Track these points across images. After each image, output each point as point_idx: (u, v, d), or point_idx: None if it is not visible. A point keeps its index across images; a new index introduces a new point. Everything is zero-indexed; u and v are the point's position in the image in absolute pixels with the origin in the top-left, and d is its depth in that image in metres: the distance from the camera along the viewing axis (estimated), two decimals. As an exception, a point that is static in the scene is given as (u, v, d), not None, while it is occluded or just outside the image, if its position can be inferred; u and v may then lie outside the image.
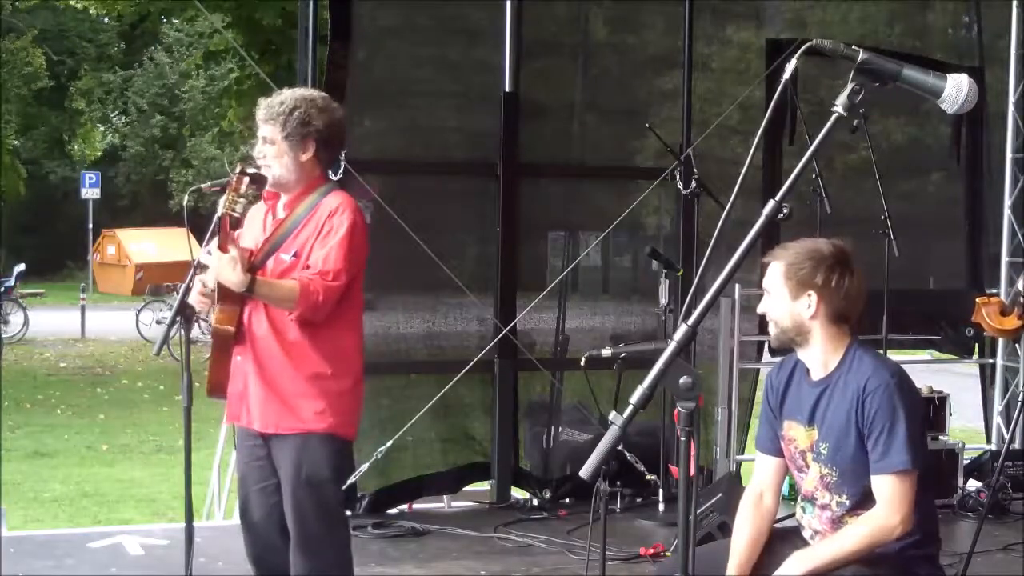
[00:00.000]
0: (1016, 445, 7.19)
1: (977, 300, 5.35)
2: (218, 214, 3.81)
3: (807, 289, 3.47)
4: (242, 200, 3.85)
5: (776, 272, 3.54)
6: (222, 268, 3.83)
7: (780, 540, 3.65)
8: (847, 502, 3.46)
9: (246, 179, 3.85)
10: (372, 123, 6.79)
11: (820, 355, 3.53)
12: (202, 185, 4.06)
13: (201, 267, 3.90)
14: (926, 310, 7.66)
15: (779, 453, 3.66)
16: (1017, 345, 7.68)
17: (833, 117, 2.27)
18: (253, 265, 3.95)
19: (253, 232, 4.14)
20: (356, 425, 4.18)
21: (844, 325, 3.51)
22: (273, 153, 4.02)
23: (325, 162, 4.12)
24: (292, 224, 4.03)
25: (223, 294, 3.92)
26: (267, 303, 3.98)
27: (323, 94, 4.17)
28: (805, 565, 3.38)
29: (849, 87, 2.27)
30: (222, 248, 3.82)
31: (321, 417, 4.01)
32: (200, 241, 3.91)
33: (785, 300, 3.51)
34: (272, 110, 4.04)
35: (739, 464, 6.85)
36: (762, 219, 2.28)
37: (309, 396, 4.00)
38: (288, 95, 4.08)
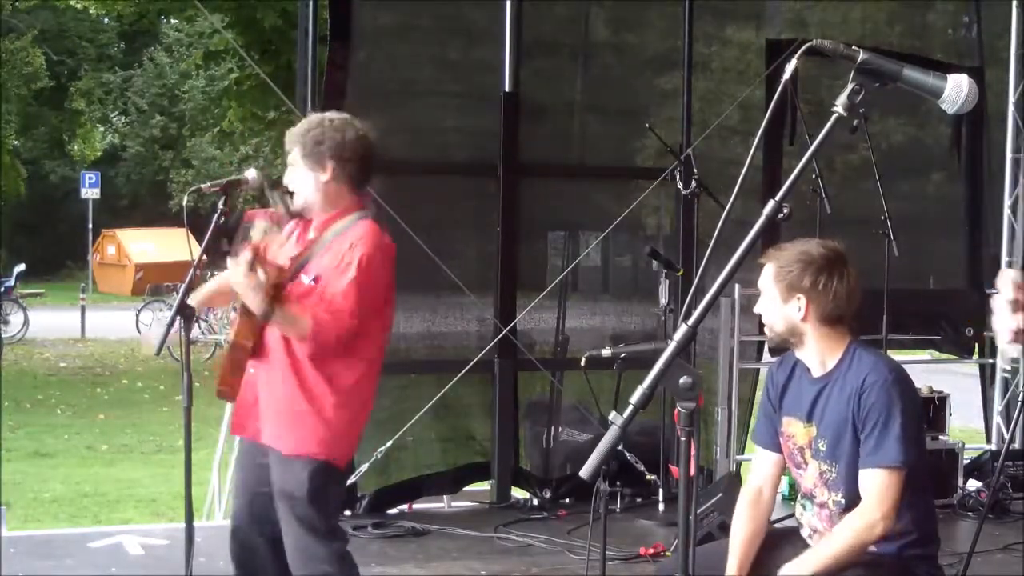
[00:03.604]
0: (1016, 445, 7.19)
1: None
2: (253, 238, 3.71)
3: (796, 292, 3.48)
4: (276, 228, 3.78)
5: (768, 275, 3.56)
6: (245, 288, 3.79)
7: (779, 539, 3.65)
8: (843, 500, 3.46)
9: (288, 212, 3.75)
10: (372, 123, 6.75)
11: (817, 355, 3.53)
12: (202, 185, 4.05)
13: (204, 266, 3.88)
14: (926, 310, 7.66)
15: (777, 448, 3.67)
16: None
17: (833, 117, 2.27)
18: (279, 286, 3.93)
19: (287, 248, 4.14)
20: (347, 457, 4.15)
21: (839, 325, 3.52)
22: (296, 176, 4.03)
23: (350, 184, 4.04)
24: (318, 247, 4.01)
25: (245, 306, 3.90)
26: (280, 330, 3.97)
27: (343, 115, 4.12)
28: (799, 573, 3.36)
29: (849, 87, 2.27)
30: (252, 267, 3.77)
31: (314, 440, 3.98)
32: (199, 241, 3.89)
33: (776, 303, 3.53)
34: (295, 133, 4.06)
35: (739, 464, 6.85)
36: (762, 219, 2.27)
37: (309, 416, 3.98)
38: (307, 119, 4.10)
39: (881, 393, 3.38)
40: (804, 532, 3.62)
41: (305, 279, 3.99)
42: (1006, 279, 2.01)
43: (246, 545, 4.17)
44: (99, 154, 34.58)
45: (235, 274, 3.79)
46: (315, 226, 4.07)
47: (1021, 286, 2.01)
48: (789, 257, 3.52)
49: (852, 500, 3.42)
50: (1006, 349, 2.08)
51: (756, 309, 3.64)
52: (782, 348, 3.70)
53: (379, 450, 6.42)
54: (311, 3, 6.42)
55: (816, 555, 3.39)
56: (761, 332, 3.73)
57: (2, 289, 20.79)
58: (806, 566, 3.37)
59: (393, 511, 6.66)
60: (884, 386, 3.38)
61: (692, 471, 2.94)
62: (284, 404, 4.00)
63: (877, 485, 3.35)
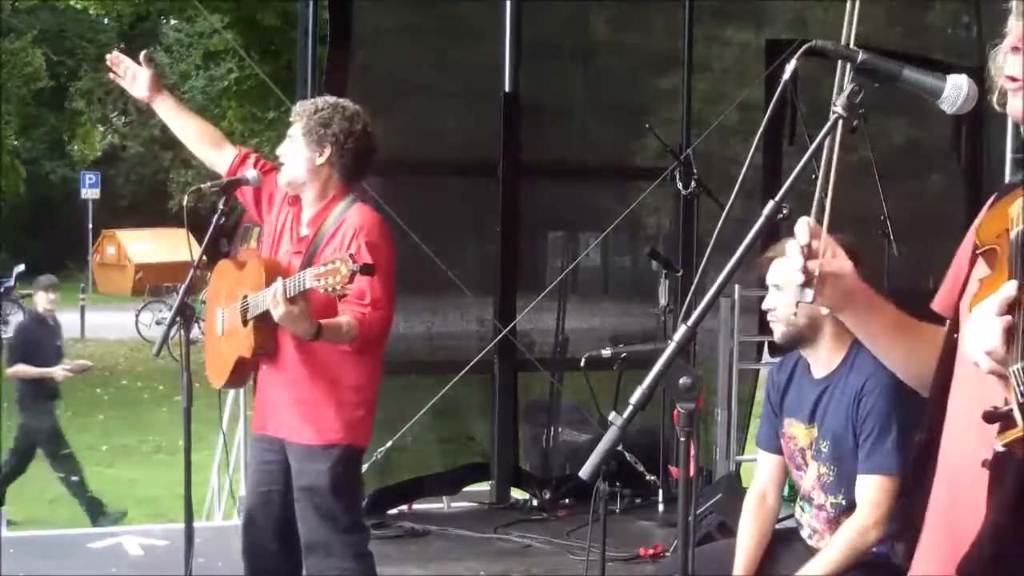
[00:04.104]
0: (1016, 445, 7.18)
1: None
2: (307, 285, 3.62)
3: None
4: (340, 287, 3.73)
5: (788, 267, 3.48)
6: (292, 320, 3.72)
7: (778, 541, 3.65)
8: (843, 503, 3.45)
9: (354, 275, 3.69)
10: (372, 123, 6.77)
11: (825, 353, 3.52)
12: (202, 185, 4.05)
13: (203, 266, 3.88)
14: (926, 310, 7.64)
15: (780, 451, 3.66)
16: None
17: (833, 118, 2.26)
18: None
19: (282, 241, 4.13)
20: (368, 433, 4.18)
21: None
22: (291, 150, 4.03)
23: (344, 173, 4.04)
24: (319, 242, 4.01)
25: (260, 320, 3.88)
26: (329, 343, 3.93)
27: (359, 108, 4.12)
28: None
29: (849, 87, 2.27)
30: (292, 300, 3.69)
31: (334, 427, 4.01)
32: (199, 241, 3.89)
33: None
34: (301, 107, 4.07)
35: (739, 465, 6.85)
36: (762, 219, 2.27)
37: (327, 405, 4.00)
38: (322, 100, 4.10)
39: (880, 399, 3.37)
40: (804, 532, 3.62)
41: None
42: (802, 225, 2.04)
43: (258, 542, 4.18)
44: (99, 154, 34.53)
45: (276, 311, 3.71)
46: (308, 220, 4.07)
47: (816, 232, 2.04)
48: None
49: (853, 502, 3.42)
50: (802, 293, 2.08)
51: (767, 305, 3.56)
52: (789, 348, 3.65)
53: (379, 450, 6.42)
54: (311, 3, 6.42)
55: (815, 565, 3.38)
56: (762, 332, 3.72)
57: (2, 289, 20.78)
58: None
59: (393, 511, 6.66)
60: (883, 392, 3.37)
61: (691, 472, 2.94)
62: (302, 397, 4.02)
63: (872, 492, 3.35)
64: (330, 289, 3.56)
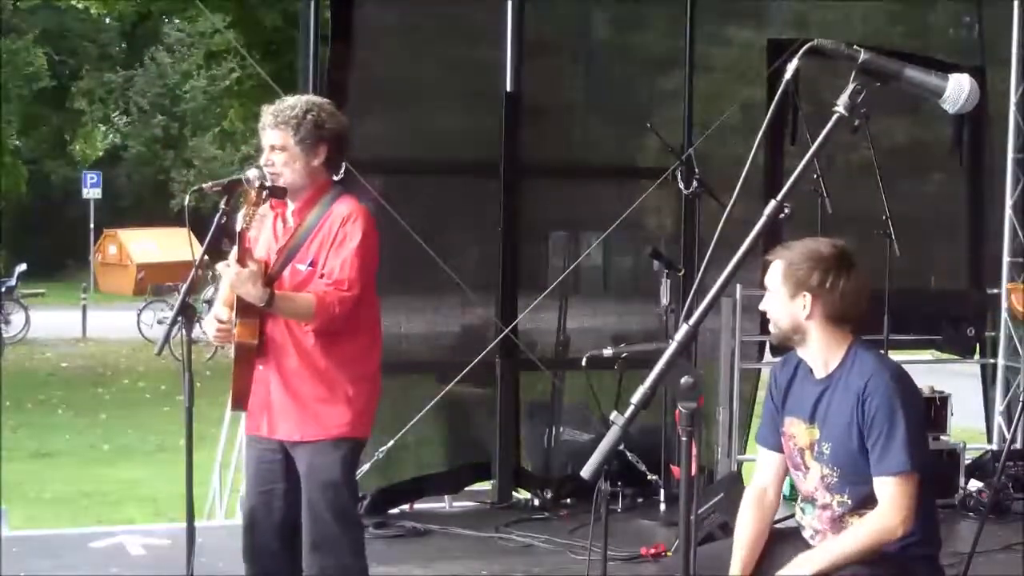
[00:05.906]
0: (1017, 445, 7.18)
1: (1008, 286, 4.99)
2: (237, 228, 3.75)
3: (802, 290, 3.47)
4: (260, 215, 3.83)
5: (776, 271, 3.54)
6: (241, 282, 3.81)
7: (780, 541, 3.64)
8: (848, 502, 3.45)
9: (265, 192, 3.81)
10: (373, 123, 6.77)
11: (819, 355, 3.52)
12: (203, 185, 4.05)
13: (205, 265, 3.90)
14: (927, 310, 7.66)
15: (781, 449, 3.66)
16: (1018, 344, 7.68)
17: (835, 117, 2.26)
18: (270, 277, 3.95)
19: (264, 240, 4.13)
20: (371, 425, 4.23)
21: (844, 325, 3.51)
22: (283, 160, 4.01)
23: (334, 165, 4.12)
24: (305, 233, 4.03)
25: (243, 307, 3.91)
26: (285, 316, 3.98)
27: (328, 100, 4.17)
28: (811, 566, 3.36)
29: (850, 87, 2.27)
30: (240, 262, 3.80)
31: (340, 422, 4.05)
32: (201, 241, 3.90)
33: (783, 300, 3.51)
34: (283, 116, 4.02)
35: (740, 464, 6.85)
36: (763, 219, 2.27)
37: (329, 402, 4.04)
38: (296, 101, 4.08)
39: (884, 399, 3.37)
40: (806, 533, 3.62)
41: (301, 267, 4.01)
42: None
43: (260, 543, 4.18)
44: (100, 154, 34.53)
45: (227, 272, 3.82)
46: (293, 212, 4.09)
47: None
48: (798, 255, 3.50)
49: (859, 501, 3.42)
50: None
51: (762, 306, 3.62)
52: (784, 347, 3.69)
53: (380, 450, 6.42)
54: (312, 3, 6.42)
55: (830, 551, 3.40)
56: (763, 332, 3.74)
57: (3, 289, 20.77)
58: (818, 561, 3.38)
59: (394, 511, 6.66)
60: (886, 392, 3.38)
61: (693, 471, 2.94)
62: (303, 395, 4.04)
63: (891, 492, 3.35)
64: (249, 215, 3.72)
